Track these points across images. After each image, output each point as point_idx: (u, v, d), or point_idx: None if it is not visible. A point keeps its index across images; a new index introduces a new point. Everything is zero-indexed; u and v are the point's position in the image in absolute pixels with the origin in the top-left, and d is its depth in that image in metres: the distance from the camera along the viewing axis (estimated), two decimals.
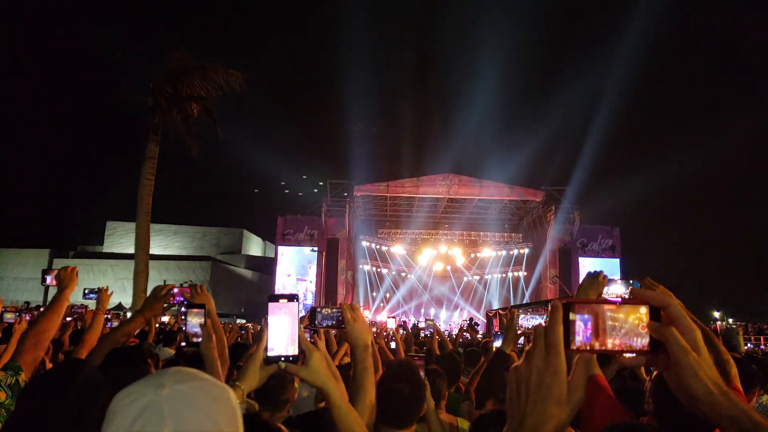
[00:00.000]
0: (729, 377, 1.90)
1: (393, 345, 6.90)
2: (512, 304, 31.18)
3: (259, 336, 1.56)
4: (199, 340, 1.98)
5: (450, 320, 32.93)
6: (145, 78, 18.51)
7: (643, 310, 0.81)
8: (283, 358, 1.47)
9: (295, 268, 32.66)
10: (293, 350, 1.48)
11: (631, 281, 2.23)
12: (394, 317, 14.12)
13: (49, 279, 2.85)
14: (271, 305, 1.49)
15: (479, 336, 11.63)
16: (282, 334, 1.48)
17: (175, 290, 2.88)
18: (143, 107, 18.19)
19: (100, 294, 3.36)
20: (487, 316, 27.08)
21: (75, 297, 3.56)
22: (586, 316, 0.80)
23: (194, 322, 2.01)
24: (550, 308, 0.83)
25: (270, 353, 1.47)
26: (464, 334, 11.55)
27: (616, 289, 2.24)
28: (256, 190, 32.63)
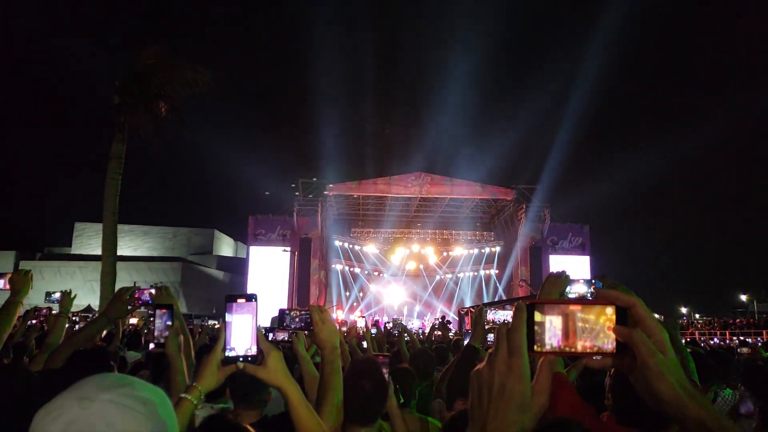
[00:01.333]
0: (687, 372, 1.96)
1: (365, 344, 6.90)
2: (484, 302, 31.47)
3: (217, 336, 1.55)
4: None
5: (423, 319, 33.06)
6: (113, 76, 18.12)
7: (610, 311, 0.79)
8: (241, 358, 1.46)
9: (267, 268, 32.37)
10: (252, 350, 1.47)
11: (593, 280, 2.27)
12: (364, 317, 14.12)
13: (1, 283, 2.76)
14: (230, 305, 1.48)
15: (451, 334, 11.71)
16: (240, 333, 1.47)
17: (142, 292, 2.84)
18: (110, 106, 17.83)
19: (62, 297, 3.29)
20: (459, 314, 27.29)
21: (38, 300, 3.48)
22: (555, 316, 0.78)
23: (161, 323, 2.00)
24: (513, 309, 0.81)
25: (228, 353, 1.47)
26: (436, 332, 11.61)
27: (579, 289, 2.27)
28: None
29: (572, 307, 0.79)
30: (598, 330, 0.79)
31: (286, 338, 3.29)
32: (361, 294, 35.99)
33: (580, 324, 0.78)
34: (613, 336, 0.79)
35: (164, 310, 2.06)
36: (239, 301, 1.50)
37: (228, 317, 1.48)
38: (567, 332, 0.78)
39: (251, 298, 1.51)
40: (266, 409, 2.91)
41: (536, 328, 0.78)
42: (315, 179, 32.41)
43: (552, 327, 0.78)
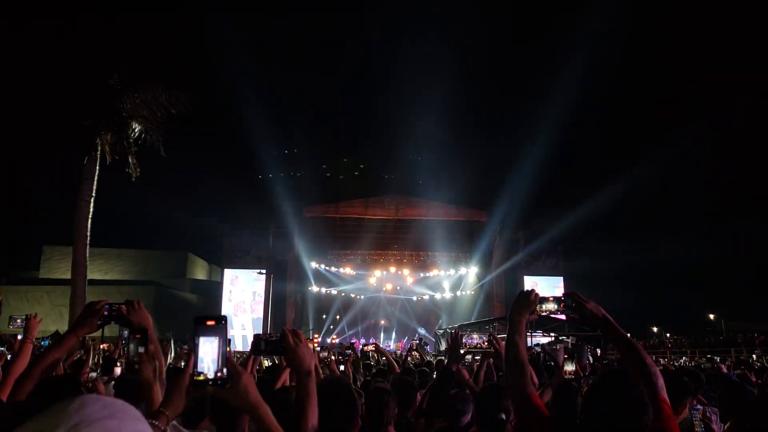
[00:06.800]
0: (656, 389, 1.96)
1: (342, 368, 6.83)
2: (460, 323, 31.48)
3: (186, 359, 1.51)
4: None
5: (400, 340, 32.90)
6: (85, 95, 17.81)
7: None
8: (211, 382, 1.43)
9: (242, 291, 31.97)
10: (222, 373, 1.43)
11: (563, 298, 2.29)
12: (342, 340, 13.98)
13: None
14: (199, 328, 1.45)
15: (429, 357, 11.67)
16: (210, 356, 1.43)
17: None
18: (81, 126, 17.53)
19: (28, 322, 3.18)
20: (436, 336, 27.22)
21: (2, 326, 3.38)
22: None
23: (136, 348, 1.95)
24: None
25: (198, 377, 1.43)
26: (413, 352, 11.55)
27: (549, 307, 2.28)
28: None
29: None
30: None
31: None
32: (338, 316, 35.69)
33: None
34: None
35: (138, 335, 2.01)
36: (208, 323, 1.46)
37: (198, 340, 1.44)
38: None
39: (221, 320, 1.48)
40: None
41: None
42: (292, 202, 32.35)
43: None
